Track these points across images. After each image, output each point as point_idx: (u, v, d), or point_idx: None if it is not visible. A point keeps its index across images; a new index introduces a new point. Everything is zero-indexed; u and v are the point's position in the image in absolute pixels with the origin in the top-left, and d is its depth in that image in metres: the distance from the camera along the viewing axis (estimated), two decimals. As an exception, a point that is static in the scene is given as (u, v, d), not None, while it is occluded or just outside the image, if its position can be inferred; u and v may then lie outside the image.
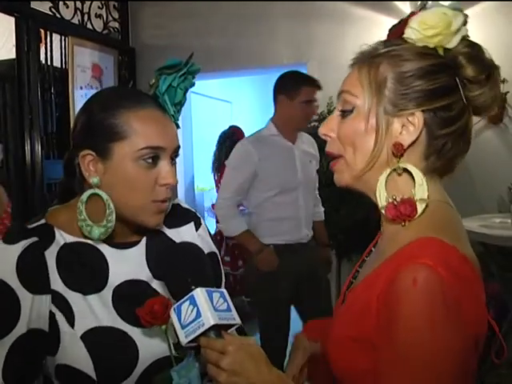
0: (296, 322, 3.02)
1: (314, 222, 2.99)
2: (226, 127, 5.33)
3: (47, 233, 1.08)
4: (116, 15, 4.34)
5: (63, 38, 3.67)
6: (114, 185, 1.06)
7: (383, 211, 0.89)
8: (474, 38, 0.92)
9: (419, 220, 0.87)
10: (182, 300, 0.95)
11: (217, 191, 5.22)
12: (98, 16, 4.10)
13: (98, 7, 4.11)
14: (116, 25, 4.34)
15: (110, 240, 1.12)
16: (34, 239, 1.05)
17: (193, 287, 0.95)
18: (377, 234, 1.07)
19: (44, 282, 1.04)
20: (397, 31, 0.92)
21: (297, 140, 2.92)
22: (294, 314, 2.97)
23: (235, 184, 2.83)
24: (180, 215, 1.27)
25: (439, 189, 0.93)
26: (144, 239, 1.18)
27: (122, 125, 1.04)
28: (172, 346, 1.04)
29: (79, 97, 3.67)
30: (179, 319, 0.95)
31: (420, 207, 0.87)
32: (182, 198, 4.69)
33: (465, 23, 0.89)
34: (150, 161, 1.05)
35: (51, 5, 3.59)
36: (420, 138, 0.89)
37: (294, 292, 2.85)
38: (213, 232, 5.28)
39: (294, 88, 2.84)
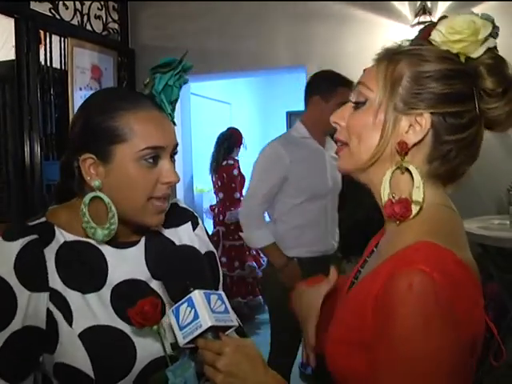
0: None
1: None
2: (225, 129, 5.34)
3: (47, 231, 1.08)
4: (115, 16, 4.34)
5: (63, 39, 3.68)
6: (116, 187, 1.06)
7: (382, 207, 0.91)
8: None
9: (419, 223, 0.87)
10: (181, 302, 0.97)
11: (214, 192, 5.22)
12: (98, 17, 4.10)
13: (98, 8, 4.11)
14: (115, 26, 4.34)
15: (110, 240, 1.13)
16: (34, 237, 1.05)
17: (191, 289, 0.96)
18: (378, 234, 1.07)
19: (42, 279, 1.04)
20: (425, 32, 0.92)
21: (326, 143, 2.75)
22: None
23: (264, 189, 2.64)
24: (177, 215, 1.27)
25: (442, 194, 0.93)
26: (143, 239, 1.18)
27: (122, 127, 1.04)
28: (166, 345, 1.05)
29: (79, 98, 3.67)
30: (177, 320, 0.96)
31: (414, 209, 0.87)
32: (181, 199, 4.68)
33: (494, 35, 0.88)
34: (151, 161, 1.06)
35: (51, 6, 3.59)
36: (425, 140, 0.89)
37: None
38: (210, 232, 5.28)
39: (329, 89, 2.61)
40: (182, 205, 1.33)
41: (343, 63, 3.81)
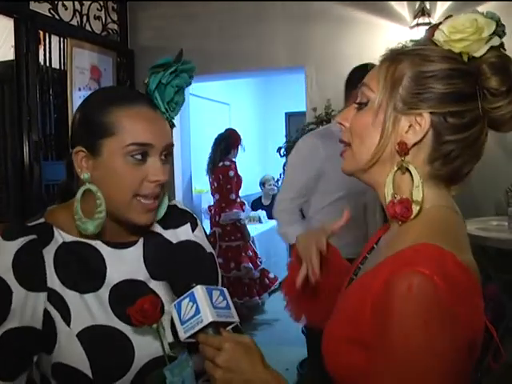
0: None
1: None
2: (224, 129, 5.34)
3: (46, 231, 1.09)
4: (115, 17, 4.34)
5: (62, 39, 3.67)
6: (103, 180, 1.07)
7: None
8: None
9: (420, 224, 0.88)
10: (183, 297, 0.98)
11: (212, 194, 5.21)
12: (97, 18, 4.10)
13: (97, 9, 4.11)
14: (115, 27, 4.35)
15: (107, 239, 1.13)
16: (33, 237, 1.06)
17: (193, 284, 0.97)
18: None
19: (40, 279, 1.04)
20: (430, 32, 0.92)
21: None
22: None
23: (299, 183, 2.47)
24: (177, 216, 1.28)
25: (445, 195, 0.93)
26: (141, 240, 1.18)
27: (112, 122, 1.05)
28: (165, 344, 1.05)
29: (78, 98, 3.67)
30: (179, 315, 0.97)
31: (415, 209, 0.88)
32: (179, 200, 4.68)
33: (500, 33, 0.87)
34: (138, 157, 1.06)
35: (50, 6, 3.59)
36: (425, 141, 0.89)
37: None
38: (208, 233, 5.27)
39: None
40: (182, 206, 1.33)
41: (342, 64, 3.81)
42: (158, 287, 1.14)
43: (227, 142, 5.11)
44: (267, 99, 8.34)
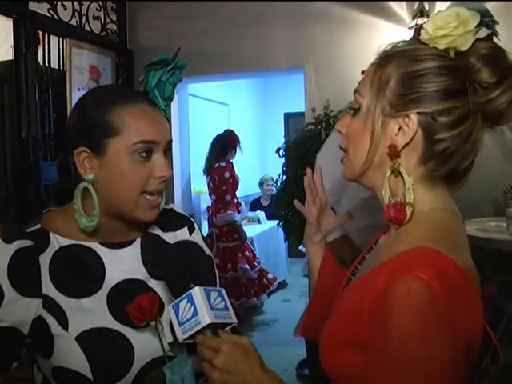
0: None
1: None
2: (223, 130, 5.34)
3: (42, 238, 1.09)
4: (114, 17, 4.34)
5: (61, 39, 3.67)
6: (109, 180, 1.08)
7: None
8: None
9: (419, 227, 0.87)
10: (181, 298, 0.98)
11: (209, 194, 5.21)
12: (96, 18, 4.09)
13: (96, 9, 4.10)
14: (114, 27, 4.34)
15: (104, 240, 1.13)
16: (29, 243, 1.06)
17: (191, 285, 0.97)
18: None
19: (35, 286, 1.05)
20: (417, 32, 0.91)
21: None
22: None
23: (328, 181, 2.33)
24: (174, 220, 1.29)
25: (443, 196, 0.92)
26: (138, 239, 1.19)
27: (116, 121, 1.06)
28: (163, 342, 1.06)
29: (77, 98, 3.61)
30: (177, 316, 0.97)
31: (408, 211, 0.88)
32: (178, 200, 4.69)
33: (490, 24, 0.86)
34: (144, 155, 1.07)
35: (49, 6, 3.59)
36: (416, 142, 0.88)
37: None
38: (204, 234, 5.27)
39: None
40: (179, 210, 1.34)
41: (341, 65, 3.82)
42: (158, 286, 1.15)
43: (224, 143, 5.11)
44: (266, 99, 8.34)
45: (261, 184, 7.09)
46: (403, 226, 0.89)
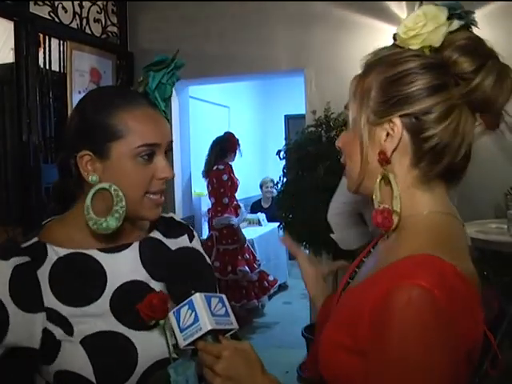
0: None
1: None
2: (223, 132, 5.34)
3: (39, 251, 1.09)
4: (114, 20, 4.35)
5: (62, 42, 3.68)
6: (113, 182, 1.08)
7: None
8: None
9: (420, 232, 0.87)
10: (182, 304, 0.98)
11: (209, 197, 5.21)
12: (97, 21, 4.10)
13: (97, 12, 4.11)
14: (114, 29, 4.35)
15: (103, 245, 1.14)
16: (26, 259, 1.06)
17: (192, 292, 0.97)
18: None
19: (36, 301, 1.04)
20: (394, 37, 0.92)
21: None
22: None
23: None
24: (174, 227, 1.30)
25: (441, 199, 0.92)
26: (136, 243, 1.19)
27: (118, 124, 1.06)
28: (170, 343, 1.05)
29: (77, 101, 3.66)
30: (178, 322, 0.97)
31: (395, 219, 0.88)
32: (179, 203, 4.69)
33: (463, 16, 0.86)
34: (146, 157, 1.08)
35: (50, 9, 3.60)
36: (404, 145, 0.88)
37: None
38: (205, 237, 5.28)
39: None
40: (178, 219, 1.35)
41: (342, 67, 3.82)
42: (159, 288, 1.14)
43: (223, 146, 5.10)
44: (267, 102, 8.35)
45: (261, 186, 7.09)
46: (403, 231, 0.89)
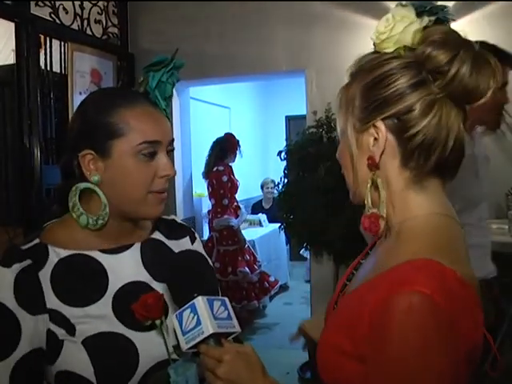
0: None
1: None
2: (223, 133, 5.34)
3: (40, 253, 1.09)
4: (115, 21, 4.35)
5: (63, 43, 3.68)
6: (115, 181, 1.09)
7: None
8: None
9: (419, 235, 0.87)
10: (184, 307, 0.98)
11: (209, 199, 5.21)
12: (98, 22, 4.11)
13: (98, 13, 4.11)
14: (115, 30, 4.35)
15: (105, 245, 1.14)
16: (28, 262, 1.06)
17: (195, 295, 0.98)
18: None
19: (40, 302, 1.05)
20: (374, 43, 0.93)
21: (475, 140, 2.05)
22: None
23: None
24: (176, 229, 1.31)
25: (438, 198, 0.91)
26: (137, 244, 1.19)
27: (119, 122, 1.07)
28: (168, 342, 1.06)
29: (78, 102, 3.60)
30: (180, 325, 0.97)
31: (382, 224, 0.89)
32: (179, 204, 4.69)
33: (435, 10, 0.88)
34: (147, 155, 1.09)
35: (51, 10, 3.60)
36: (391, 147, 0.88)
37: None
38: (205, 238, 5.29)
39: None
40: (180, 221, 1.36)
41: (342, 68, 3.80)
42: (160, 289, 1.14)
43: (223, 147, 5.11)
44: (267, 102, 8.35)
45: (262, 187, 7.09)
46: (402, 234, 0.89)
